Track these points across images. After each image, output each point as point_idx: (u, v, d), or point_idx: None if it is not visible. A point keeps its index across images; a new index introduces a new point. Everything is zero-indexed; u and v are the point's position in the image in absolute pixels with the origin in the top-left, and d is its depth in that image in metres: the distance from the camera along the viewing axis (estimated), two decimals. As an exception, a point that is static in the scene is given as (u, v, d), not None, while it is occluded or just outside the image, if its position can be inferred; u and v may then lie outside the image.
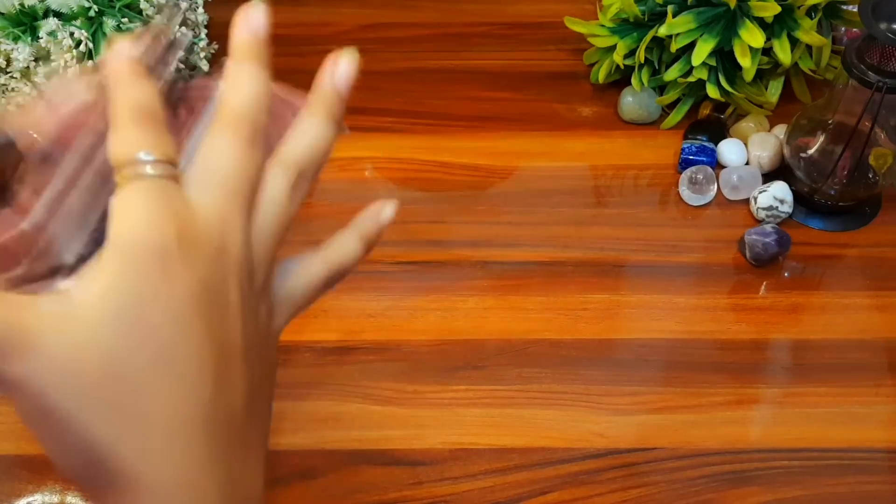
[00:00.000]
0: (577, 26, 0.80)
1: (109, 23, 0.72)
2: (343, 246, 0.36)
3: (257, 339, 0.32)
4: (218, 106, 0.32)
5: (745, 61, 0.71)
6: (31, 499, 0.60)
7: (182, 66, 0.77)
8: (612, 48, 0.77)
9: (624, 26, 0.77)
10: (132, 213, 0.28)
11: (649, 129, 0.79)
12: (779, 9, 0.70)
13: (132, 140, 0.29)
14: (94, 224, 0.30)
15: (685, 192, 0.75)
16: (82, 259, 0.30)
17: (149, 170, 0.28)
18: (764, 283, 0.70)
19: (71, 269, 0.29)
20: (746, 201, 0.74)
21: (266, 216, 0.32)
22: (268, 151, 0.33)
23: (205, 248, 0.29)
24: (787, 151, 0.72)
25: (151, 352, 0.28)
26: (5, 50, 0.72)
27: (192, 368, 0.29)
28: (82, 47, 0.71)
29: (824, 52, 0.75)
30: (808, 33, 0.71)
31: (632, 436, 0.63)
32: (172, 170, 0.29)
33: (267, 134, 0.33)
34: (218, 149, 0.31)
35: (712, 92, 0.75)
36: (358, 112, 0.80)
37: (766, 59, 0.74)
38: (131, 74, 0.30)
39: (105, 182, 0.30)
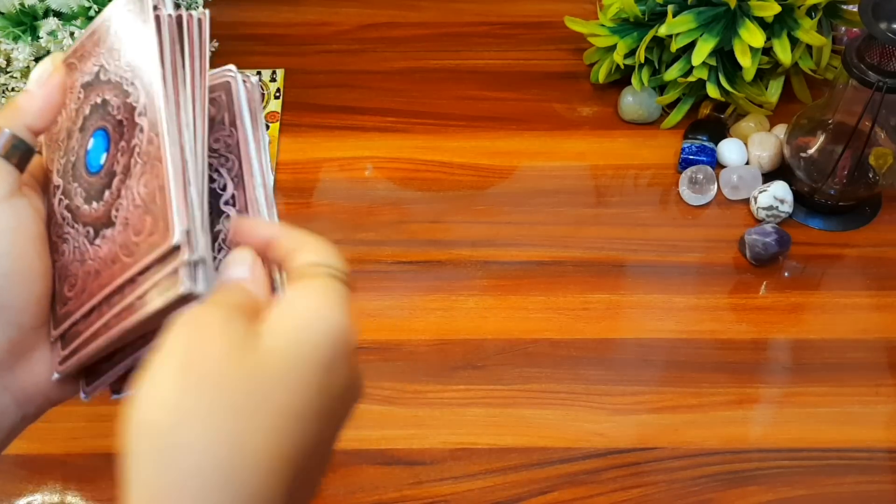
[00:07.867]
0: (577, 26, 0.80)
1: (109, 23, 0.72)
2: None
3: None
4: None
5: (746, 61, 0.71)
6: (31, 499, 0.60)
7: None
8: (612, 48, 0.77)
9: (624, 26, 0.77)
10: (332, 307, 0.31)
11: (649, 129, 0.79)
12: (779, 8, 0.70)
13: (324, 249, 0.33)
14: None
15: (685, 191, 0.75)
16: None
17: (337, 273, 0.33)
18: (764, 282, 0.70)
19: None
20: (746, 201, 0.74)
21: None
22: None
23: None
24: (787, 151, 0.72)
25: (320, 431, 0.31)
26: (5, 50, 0.72)
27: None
28: (82, 47, 0.71)
29: (824, 52, 0.75)
30: (809, 33, 0.71)
31: (632, 436, 0.63)
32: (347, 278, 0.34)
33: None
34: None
35: (712, 92, 0.75)
36: (358, 112, 0.80)
37: (766, 58, 0.74)
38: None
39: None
